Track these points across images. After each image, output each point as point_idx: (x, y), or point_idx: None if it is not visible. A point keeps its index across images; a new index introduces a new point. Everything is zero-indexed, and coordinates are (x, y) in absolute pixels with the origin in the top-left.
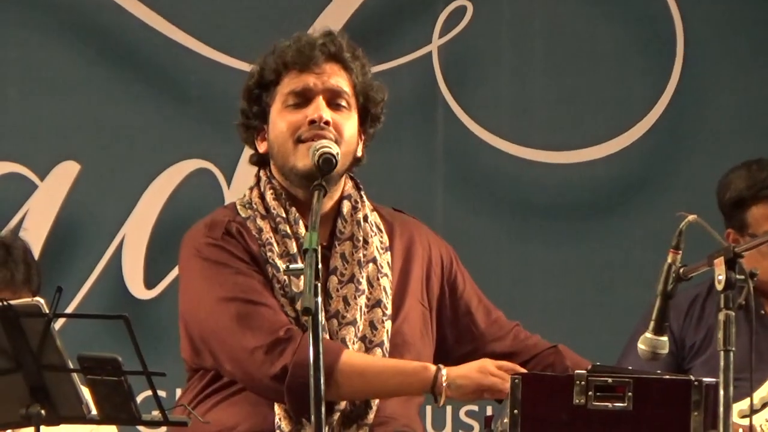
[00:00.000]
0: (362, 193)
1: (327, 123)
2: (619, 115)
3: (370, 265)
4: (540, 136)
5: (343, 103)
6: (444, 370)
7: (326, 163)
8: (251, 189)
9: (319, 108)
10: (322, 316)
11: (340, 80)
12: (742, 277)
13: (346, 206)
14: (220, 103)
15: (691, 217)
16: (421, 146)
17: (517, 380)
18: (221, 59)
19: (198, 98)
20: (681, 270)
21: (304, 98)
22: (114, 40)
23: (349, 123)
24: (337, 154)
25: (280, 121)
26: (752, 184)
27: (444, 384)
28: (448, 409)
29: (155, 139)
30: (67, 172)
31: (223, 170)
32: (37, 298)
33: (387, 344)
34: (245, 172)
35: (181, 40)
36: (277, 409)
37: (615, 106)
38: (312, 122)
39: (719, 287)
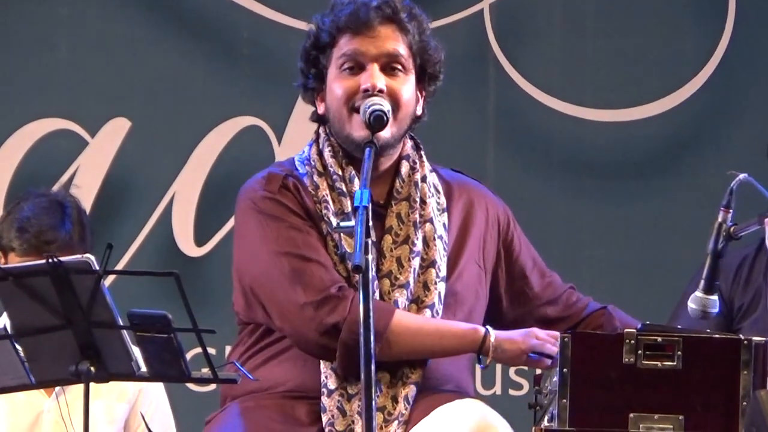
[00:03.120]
0: (422, 153)
1: (381, 91)
2: (670, 74)
3: (427, 225)
4: (591, 95)
5: (399, 66)
6: (492, 334)
7: (377, 120)
8: (310, 145)
9: (373, 76)
10: (372, 274)
11: (395, 43)
12: None
13: (404, 166)
14: (270, 60)
15: (741, 176)
16: (472, 105)
17: (566, 339)
18: (272, 16)
19: (249, 55)
20: (731, 229)
21: (357, 63)
22: None
23: (406, 87)
24: (389, 111)
25: (336, 86)
26: None
27: (491, 347)
28: (498, 367)
29: (206, 96)
30: (117, 129)
31: (273, 127)
32: (87, 255)
33: (438, 306)
34: (296, 129)
35: None
36: (323, 367)
37: (666, 65)
38: (366, 90)
39: None
